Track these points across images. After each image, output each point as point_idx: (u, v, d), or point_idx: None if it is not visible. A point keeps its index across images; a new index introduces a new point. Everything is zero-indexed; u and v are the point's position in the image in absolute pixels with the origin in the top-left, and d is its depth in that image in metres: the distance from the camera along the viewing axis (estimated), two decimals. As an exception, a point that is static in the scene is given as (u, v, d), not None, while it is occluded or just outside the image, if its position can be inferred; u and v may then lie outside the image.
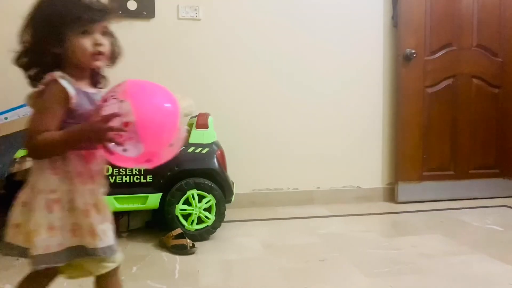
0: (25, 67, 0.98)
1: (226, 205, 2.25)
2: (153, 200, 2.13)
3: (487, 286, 1.64)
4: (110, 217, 1.04)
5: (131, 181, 2.11)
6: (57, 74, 0.94)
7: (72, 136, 0.93)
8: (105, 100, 0.94)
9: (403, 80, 2.96)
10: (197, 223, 2.17)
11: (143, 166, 1.01)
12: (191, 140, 2.22)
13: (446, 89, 3.03)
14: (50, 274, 1.06)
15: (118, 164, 0.99)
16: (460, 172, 3.08)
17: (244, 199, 2.80)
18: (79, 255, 0.99)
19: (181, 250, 1.98)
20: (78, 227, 0.98)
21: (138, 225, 2.36)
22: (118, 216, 2.30)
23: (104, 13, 0.99)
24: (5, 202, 2.04)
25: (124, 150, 0.91)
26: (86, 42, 0.96)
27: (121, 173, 2.09)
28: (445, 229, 2.39)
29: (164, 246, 2.06)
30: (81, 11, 0.95)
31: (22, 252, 0.97)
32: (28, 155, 0.96)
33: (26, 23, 0.97)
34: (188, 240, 2.01)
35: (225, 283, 1.68)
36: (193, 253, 1.98)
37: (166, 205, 2.14)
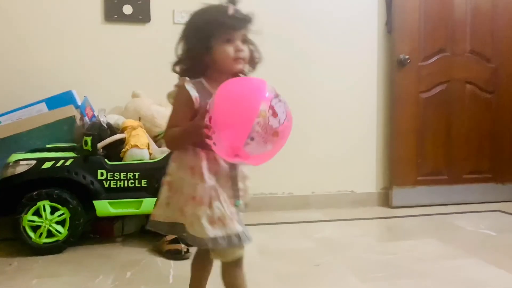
0: (180, 74, 1.14)
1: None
2: (148, 204, 2.11)
3: (481, 291, 1.65)
4: (212, 214, 1.10)
5: (126, 185, 2.09)
6: (186, 79, 1.09)
7: (183, 132, 1.08)
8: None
9: (397, 86, 2.98)
10: (192, 228, 2.15)
11: (239, 162, 1.10)
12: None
13: (440, 94, 3.05)
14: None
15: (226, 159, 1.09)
16: (454, 177, 3.09)
17: (239, 203, 2.79)
18: (175, 231, 1.18)
19: (176, 255, 1.97)
20: (175, 208, 1.15)
21: (133, 230, 2.35)
22: (112, 221, 2.28)
23: (244, 22, 1.13)
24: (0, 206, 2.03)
25: (214, 143, 1.00)
26: (229, 49, 1.10)
27: (115, 178, 2.08)
28: (440, 233, 2.39)
29: (158, 251, 2.05)
30: (226, 20, 1.09)
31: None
32: (166, 146, 1.21)
33: (182, 36, 1.13)
34: (183, 245, 2.00)
35: (220, 288, 1.67)
36: (187, 258, 1.96)
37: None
